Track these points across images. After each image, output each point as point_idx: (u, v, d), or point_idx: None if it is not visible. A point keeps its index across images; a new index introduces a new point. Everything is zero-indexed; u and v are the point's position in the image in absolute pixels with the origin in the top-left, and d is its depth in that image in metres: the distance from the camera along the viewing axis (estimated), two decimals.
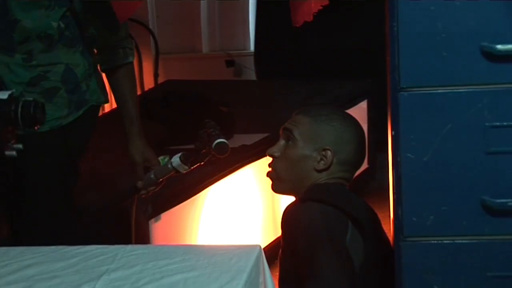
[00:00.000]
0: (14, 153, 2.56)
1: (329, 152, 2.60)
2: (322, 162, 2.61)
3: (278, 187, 2.70)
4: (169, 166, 2.93)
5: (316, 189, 2.61)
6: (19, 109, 2.51)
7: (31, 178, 3.03)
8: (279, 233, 4.73)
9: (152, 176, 3.01)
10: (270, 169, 2.70)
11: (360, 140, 2.70)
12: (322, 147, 2.62)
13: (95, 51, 3.22)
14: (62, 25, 3.05)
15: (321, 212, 2.49)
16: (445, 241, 2.21)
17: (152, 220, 3.55)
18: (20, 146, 2.57)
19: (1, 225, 3.15)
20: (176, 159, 2.90)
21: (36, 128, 2.59)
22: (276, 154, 2.66)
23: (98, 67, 3.26)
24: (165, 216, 3.64)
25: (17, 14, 3.00)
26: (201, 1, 7.21)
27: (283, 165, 2.66)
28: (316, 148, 2.62)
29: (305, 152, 2.63)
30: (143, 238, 3.38)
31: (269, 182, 2.88)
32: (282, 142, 2.69)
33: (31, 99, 2.61)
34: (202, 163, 2.96)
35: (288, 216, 2.60)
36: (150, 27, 6.67)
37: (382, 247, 2.55)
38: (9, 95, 2.54)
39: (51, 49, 3.06)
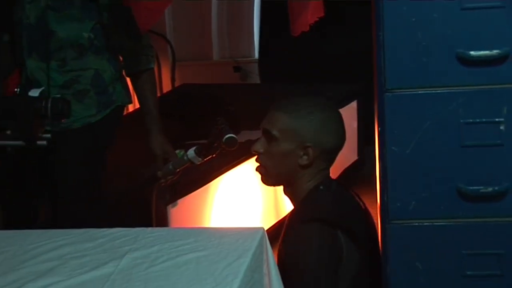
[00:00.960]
0: (44, 142, 2.56)
1: (310, 150, 2.48)
2: (305, 157, 2.50)
3: (268, 182, 2.63)
4: (185, 158, 2.92)
5: (313, 205, 2.50)
6: (49, 105, 2.53)
7: (65, 168, 3.02)
8: (279, 217, 4.79)
9: (170, 167, 3.00)
10: (259, 164, 2.61)
11: (339, 126, 2.56)
12: (303, 143, 2.49)
13: (121, 58, 3.21)
14: (92, 36, 3.05)
15: (319, 238, 2.39)
16: (425, 224, 2.21)
17: (170, 205, 3.55)
18: (49, 136, 2.59)
19: (40, 210, 3.13)
20: (191, 152, 2.88)
21: (62, 120, 2.62)
22: (260, 151, 2.57)
23: (123, 72, 3.25)
24: (181, 202, 3.64)
25: (54, 26, 3.00)
26: (212, 15, 7.20)
27: (269, 161, 2.56)
28: (297, 143, 2.50)
29: (286, 148, 2.51)
30: (162, 221, 3.37)
31: None
32: (264, 138, 2.59)
33: (58, 96, 2.64)
34: (214, 155, 2.94)
35: (290, 240, 2.48)
36: (168, 38, 6.66)
37: (375, 247, 2.47)
38: (40, 93, 2.58)
39: (82, 56, 3.06)
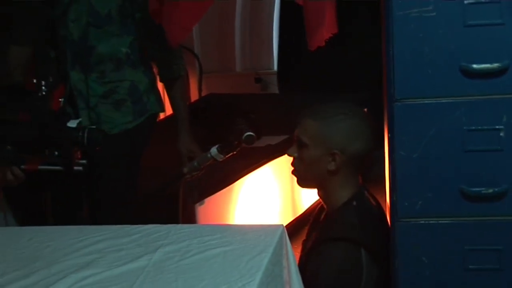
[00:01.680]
0: (80, 168, 2.58)
1: (337, 156, 2.43)
2: (333, 163, 2.44)
3: (301, 184, 2.59)
4: (209, 155, 2.93)
5: (343, 224, 2.42)
6: (85, 135, 2.55)
7: (105, 170, 3.03)
8: (296, 214, 4.79)
9: (195, 163, 3.01)
10: (293, 168, 2.58)
11: (366, 133, 2.47)
12: (330, 149, 2.44)
13: (156, 67, 3.22)
14: (129, 50, 3.06)
15: (344, 260, 2.37)
16: (431, 222, 2.20)
17: (198, 204, 3.56)
18: (85, 162, 2.61)
19: (82, 208, 3.14)
20: (214, 150, 2.89)
21: (97, 149, 2.61)
22: (294, 155, 2.54)
23: (157, 81, 3.26)
24: (208, 201, 3.65)
25: (94, 42, 3.01)
26: (235, 31, 7.21)
27: (301, 166, 2.53)
28: (325, 150, 2.45)
29: (316, 154, 2.47)
30: (191, 218, 3.38)
31: (289, 174, 2.85)
32: (296, 144, 2.55)
33: (93, 126, 2.66)
34: (234, 152, 2.94)
35: (317, 254, 2.44)
36: (195, 52, 6.66)
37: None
38: (78, 124, 2.60)
39: (120, 69, 3.06)
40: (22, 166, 2.59)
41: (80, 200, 3.14)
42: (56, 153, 2.58)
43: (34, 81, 2.87)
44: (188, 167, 2.97)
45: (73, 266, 1.98)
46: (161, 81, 3.26)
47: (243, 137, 2.85)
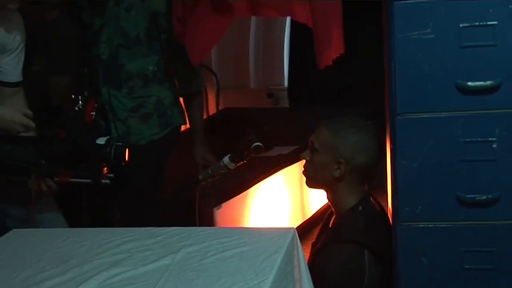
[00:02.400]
0: (108, 181, 2.61)
1: (342, 165, 2.43)
2: (338, 171, 2.44)
3: (309, 184, 2.58)
4: (221, 164, 2.92)
5: (349, 227, 2.43)
6: (112, 151, 2.57)
7: (133, 177, 3.02)
8: (305, 218, 4.77)
9: (209, 171, 3.00)
10: (304, 169, 2.58)
11: (372, 147, 2.45)
12: (337, 158, 2.44)
13: (178, 82, 3.23)
14: (155, 68, 3.07)
15: (349, 260, 2.36)
16: (429, 225, 2.19)
17: (215, 208, 3.55)
18: (112, 175, 2.63)
19: (114, 212, 3.14)
20: (226, 159, 2.89)
21: (122, 164, 2.63)
22: (306, 158, 2.54)
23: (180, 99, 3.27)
24: (225, 205, 3.64)
25: (124, 61, 3.03)
26: (249, 51, 7.21)
27: (311, 168, 2.53)
28: (333, 157, 2.45)
29: (324, 160, 2.46)
30: (209, 221, 3.37)
31: (299, 181, 2.86)
32: (309, 149, 2.55)
33: (120, 144, 2.67)
34: (244, 161, 2.94)
35: (325, 254, 2.43)
36: (213, 70, 6.67)
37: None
38: (106, 141, 2.62)
39: (147, 85, 3.08)
40: (56, 179, 2.61)
41: (112, 204, 3.14)
42: (86, 167, 2.60)
43: (73, 96, 2.91)
44: (203, 174, 2.98)
45: (104, 264, 1.98)
46: (181, 95, 3.25)
47: (252, 147, 2.85)
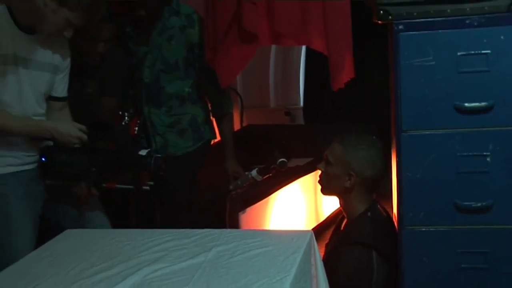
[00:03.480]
0: (148, 188, 2.62)
1: (352, 177, 2.41)
2: (348, 182, 2.42)
3: (324, 192, 2.56)
4: (249, 176, 2.90)
5: (359, 230, 2.41)
6: (152, 161, 2.57)
7: (171, 184, 3.00)
8: (319, 221, 4.74)
9: (239, 182, 2.98)
10: (319, 178, 2.56)
11: (379, 162, 2.44)
12: (348, 170, 2.42)
13: (210, 105, 3.22)
14: (190, 90, 3.07)
15: (358, 261, 2.35)
16: (430, 229, 2.17)
17: (241, 212, 3.53)
18: (152, 183, 2.64)
19: (155, 215, 3.14)
20: (254, 172, 2.87)
21: (161, 173, 2.63)
22: (321, 169, 2.52)
23: (211, 115, 3.25)
24: (249, 210, 3.63)
25: (164, 84, 3.03)
26: (269, 75, 7.21)
27: (325, 178, 2.51)
28: (344, 170, 2.43)
29: (336, 171, 2.45)
30: (235, 224, 3.35)
31: (313, 188, 2.86)
32: (324, 161, 2.52)
33: (159, 155, 2.67)
34: (270, 174, 2.93)
35: (338, 253, 2.41)
36: (238, 91, 6.66)
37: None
38: (147, 152, 2.61)
39: (183, 104, 3.07)
40: (104, 185, 2.62)
41: (154, 208, 3.14)
42: (130, 175, 2.61)
43: (120, 112, 2.93)
44: (233, 185, 2.96)
45: (146, 261, 1.97)
46: (213, 116, 3.24)
47: (278, 162, 2.83)
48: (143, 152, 2.62)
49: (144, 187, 2.62)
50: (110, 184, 2.63)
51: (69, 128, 2.51)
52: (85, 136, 2.52)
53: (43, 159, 2.51)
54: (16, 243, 2.48)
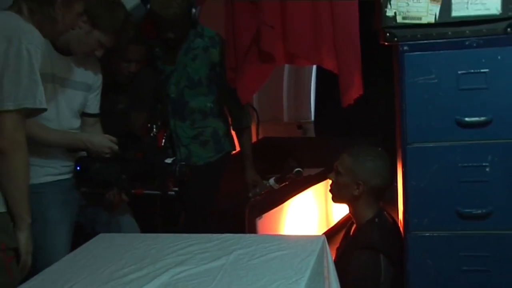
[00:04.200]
0: (173, 193, 2.60)
1: (360, 186, 2.39)
2: (357, 190, 2.40)
3: (335, 200, 2.54)
4: (267, 184, 2.89)
5: (367, 236, 2.38)
6: (177, 169, 2.57)
7: (194, 192, 3.00)
8: (329, 226, 4.71)
9: (257, 190, 2.97)
10: (330, 187, 2.55)
11: (386, 173, 2.41)
12: (357, 180, 2.41)
13: (231, 119, 3.22)
14: (212, 105, 3.07)
15: (366, 263, 2.32)
16: (434, 234, 2.16)
17: (258, 218, 3.51)
18: (177, 189, 2.62)
19: (179, 219, 3.14)
20: (271, 180, 2.85)
21: (185, 179, 2.62)
22: (332, 179, 2.50)
23: (231, 129, 3.25)
24: (266, 216, 3.59)
25: (188, 99, 3.04)
26: (283, 92, 7.19)
27: (335, 187, 2.50)
28: (353, 179, 2.41)
29: (346, 181, 2.43)
30: (253, 229, 3.33)
31: (324, 196, 2.83)
32: (335, 171, 2.51)
33: (184, 163, 2.69)
34: (286, 183, 2.92)
35: (349, 260, 2.38)
36: (254, 106, 6.67)
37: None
38: (173, 161, 2.61)
39: (205, 118, 3.07)
40: (133, 191, 2.62)
41: (178, 213, 3.14)
42: (157, 182, 2.60)
43: (148, 125, 2.95)
44: (252, 192, 2.95)
45: (172, 263, 1.97)
46: (233, 129, 3.24)
47: (294, 172, 2.82)
48: (169, 161, 2.61)
49: (170, 193, 2.60)
50: (139, 190, 2.62)
51: (102, 140, 2.52)
52: (116, 147, 2.52)
53: (78, 168, 2.52)
54: (53, 247, 2.48)
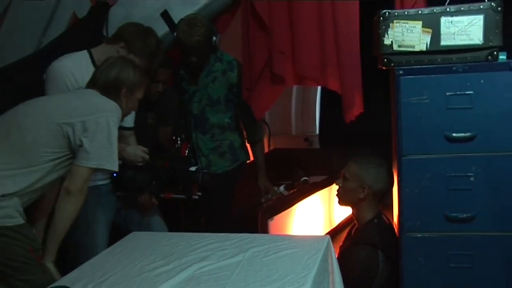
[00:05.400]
0: (197, 197, 2.63)
1: (366, 190, 2.42)
2: (362, 194, 2.42)
3: (341, 203, 2.54)
4: (278, 191, 2.90)
5: (367, 234, 2.39)
6: (200, 176, 2.59)
7: (214, 197, 2.98)
8: (332, 226, 4.68)
9: (269, 196, 2.99)
10: (337, 192, 2.54)
11: (387, 178, 2.43)
12: (362, 184, 2.42)
13: (245, 133, 3.20)
14: (230, 121, 3.06)
15: (366, 259, 2.33)
16: (425, 235, 2.16)
17: (269, 220, 3.48)
18: (200, 194, 2.64)
19: (201, 221, 3.14)
20: (281, 187, 2.87)
21: (207, 185, 2.64)
22: (339, 184, 2.50)
23: (246, 141, 3.24)
24: (276, 218, 3.56)
25: (208, 115, 3.03)
26: (291, 108, 7.17)
27: (342, 191, 2.50)
28: (359, 184, 2.43)
29: (352, 186, 2.44)
30: (265, 230, 3.31)
31: (327, 200, 2.81)
32: (342, 177, 2.51)
33: (206, 171, 2.70)
34: (295, 190, 2.92)
35: (351, 252, 2.39)
36: (266, 121, 6.67)
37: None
38: (196, 169, 2.63)
39: (223, 132, 3.06)
40: (162, 195, 2.64)
41: (200, 216, 3.15)
42: (182, 187, 2.62)
43: (174, 138, 2.96)
44: (264, 198, 2.96)
45: (195, 259, 1.98)
46: (248, 142, 3.23)
47: (301, 180, 2.85)
48: (193, 169, 2.63)
49: (194, 197, 2.62)
50: (167, 194, 2.64)
51: (135, 150, 2.54)
52: (147, 156, 2.54)
53: (115, 175, 2.54)
54: (93, 244, 2.51)
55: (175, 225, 2.89)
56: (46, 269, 2.07)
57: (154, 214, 2.79)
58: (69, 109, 2.12)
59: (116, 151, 2.13)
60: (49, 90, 2.41)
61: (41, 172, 2.07)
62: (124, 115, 2.26)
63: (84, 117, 2.08)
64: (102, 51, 2.50)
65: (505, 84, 2.05)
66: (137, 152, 2.53)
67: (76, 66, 2.43)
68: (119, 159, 2.52)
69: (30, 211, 2.21)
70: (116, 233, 2.59)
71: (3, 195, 2.00)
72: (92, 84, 2.25)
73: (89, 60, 2.50)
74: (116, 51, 2.45)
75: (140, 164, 2.55)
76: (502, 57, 2.10)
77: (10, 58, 3.10)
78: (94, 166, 2.08)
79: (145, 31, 2.53)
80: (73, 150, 2.10)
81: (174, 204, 2.87)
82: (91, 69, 2.42)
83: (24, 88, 2.55)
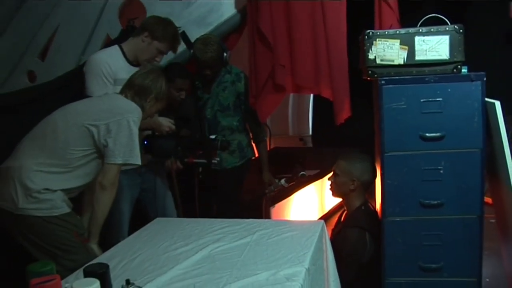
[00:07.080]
0: (216, 161, 2.61)
1: (355, 182, 2.42)
2: (352, 185, 2.43)
3: (334, 195, 2.52)
4: (279, 184, 2.89)
5: (357, 218, 2.38)
6: (219, 143, 2.60)
7: (225, 188, 3.01)
8: (323, 212, 4.67)
9: (272, 187, 2.98)
10: (330, 186, 2.54)
11: (372, 171, 2.43)
12: (352, 178, 2.42)
13: (251, 133, 3.19)
14: (238, 123, 3.06)
15: (356, 239, 2.32)
16: (404, 219, 2.16)
17: (271, 207, 3.48)
18: (218, 159, 2.64)
19: (213, 208, 3.14)
20: (282, 181, 2.85)
21: (225, 150, 2.64)
22: (332, 180, 2.50)
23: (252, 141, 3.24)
24: (278, 205, 3.57)
25: (220, 119, 3.02)
26: (288, 111, 7.15)
27: (335, 185, 2.49)
28: (349, 178, 2.43)
29: (343, 180, 2.44)
30: (268, 215, 3.31)
31: (320, 191, 2.77)
32: (333, 173, 2.51)
33: (224, 138, 2.70)
34: (294, 182, 2.91)
35: (342, 235, 2.38)
36: (268, 124, 6.65)
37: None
38: (215, 137, 2.65)
39: (233, 133, 3.06)
40: (185, 160, 2.62)
41: (211, 204, 3.15)
42: (203, 152, 2.61)
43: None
44: (268, 189, 2.95)
45: (210, 240, 2.00)
46: (253, 141, 3.23)
47: (299, 175, 2.84)
48: (212, 136, 2.64)
49: (213, 161, 2.59)
50: (190, 159, 2.60)
51: (163, 120, 2.52)
52: (173, 126, 2.53)
53: (146, 142, 2.50)
54: (120, 219, 2.58)
55: (191, 212, 2.89)
56: (90, 249, 2.08)
57: (169, 200, 2.80)
58: (94, 113, 2.10)
59: (138, 147, 2.10)
60: (88, 79, 2.43)
61: (74, 169, 2.07)
62: (144, 117, 2.26)
63: (108, 120, 2.07)
64: (130, 44, 2.55)
65: (467, 92, 2.06)
66: (165, 122, 2.52)
67: (109, 58, 2.47)
68: (149, 129, 2.52)
69: (78, 205, 2.22)
70: (139, 218, 2.62)
71: (47, 189, 2.02)
72: (129, 84, 2.23)
73: (120, 52, 2.53)
74: (142, 40, 2.47)
75: (167, 132, 2.53)
76: (465, 70, 2.11)
77: (57, 72, 3.27)
78: (121, 162, 2.08)
79: (164, 21, 2.55)
80: (99, 148, 2.09)
81: (190, 193, 2.86)
82: (121, 60, 2.48)
83: (69, 96, 2.56)
